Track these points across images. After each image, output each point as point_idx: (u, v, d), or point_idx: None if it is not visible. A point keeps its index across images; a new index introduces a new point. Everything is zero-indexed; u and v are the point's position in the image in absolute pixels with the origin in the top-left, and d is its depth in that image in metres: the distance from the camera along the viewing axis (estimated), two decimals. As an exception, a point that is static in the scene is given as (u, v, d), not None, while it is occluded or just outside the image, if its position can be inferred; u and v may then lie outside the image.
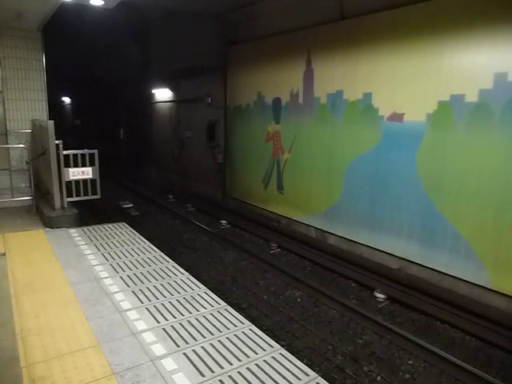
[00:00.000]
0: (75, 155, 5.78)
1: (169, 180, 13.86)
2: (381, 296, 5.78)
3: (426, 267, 6.03)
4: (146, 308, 3.39)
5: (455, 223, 5.64)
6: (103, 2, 5.76)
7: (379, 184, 6.67)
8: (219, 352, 2.80)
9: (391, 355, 4.52)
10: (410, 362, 4.40)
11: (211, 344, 2.89)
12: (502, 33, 4.92)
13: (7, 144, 7.05)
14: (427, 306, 5.39)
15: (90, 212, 9.83)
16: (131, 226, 5.82)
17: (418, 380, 4.14)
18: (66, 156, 5.70)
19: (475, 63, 5.21)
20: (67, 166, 5.72)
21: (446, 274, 5.79)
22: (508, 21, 4.86)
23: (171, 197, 12.07)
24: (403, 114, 6.13)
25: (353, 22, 6.79)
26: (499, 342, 4.66)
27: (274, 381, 2.52)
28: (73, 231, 5.45)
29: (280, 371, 2.62)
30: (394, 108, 6.25)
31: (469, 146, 5.38)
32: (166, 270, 4.21)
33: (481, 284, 5.41)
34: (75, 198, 5.89)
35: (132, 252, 4.73)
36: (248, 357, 2.76)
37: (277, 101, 8.72)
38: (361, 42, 6.64)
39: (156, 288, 3.78)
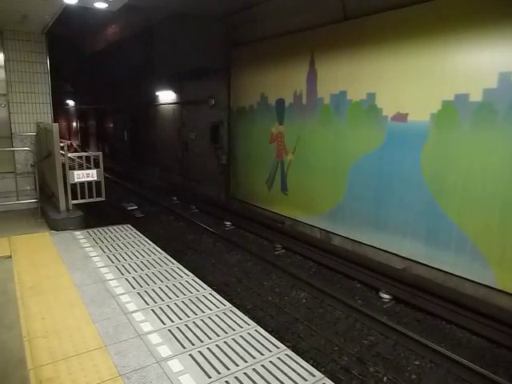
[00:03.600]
0: (80, 158, 5.81)
1: (172, 181, 13.89)
2: (386, 296, 5.76)
3: (432, 267, 6.01)
4: (152, 310, 3.39)
5: (460, 223, 5.61)
6: (107, 5, 5.78)
7: (383, 184, 6.65)
8: (225, 353, 2.81)
9: (397, 356, 4.50)
10: (417, 363, 4.38)
11: (217, 345, 2.90)
12: (507, 32, 4.89)
13: (12, 147, 7.09)
14: (433, 306, 5.36)
15: (95, 214, 9.87)
16: (136, 228, 5.84)
17: (424, 380, 4.12)
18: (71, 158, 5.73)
19: (479, 63, 5.19)
20: (72, 168, 5.75)
21: (452, 274, 5.76)
22: (512, 19, 4.84)
23: (175, 198, 12.08)
24: (407, 114, 6.12)
25: (356, 22, 6.77)
26: (506, 341, 4.63)
27: (280, 382, 2.52)
28: (78, 233, 5.48)
29: (286, 372, 2.62)
30: (397, 108, 6.24)
31: (473, 145, 5.35)
32: (171, 272, 4.22)
33: (487, 284, 5.37)
34: (80, 201, 5.92)
35: (137, 254, 4.74)
36: (254, 358, 2.76)
37: (280, 102, 8.71)
38: (364, 42, 6.63)
39: (161, 289, 3.79)
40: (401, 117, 6.20)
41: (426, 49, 5.76)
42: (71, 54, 18.02)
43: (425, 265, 6.10)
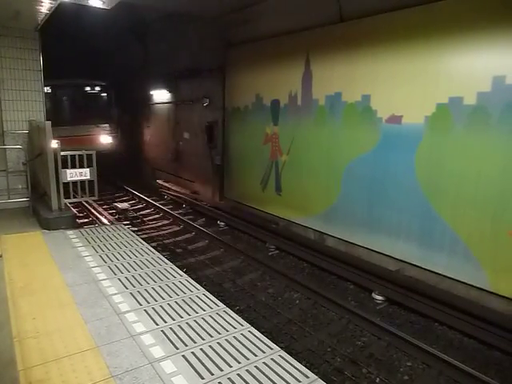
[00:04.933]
0: (73, 156, 5.76)
1: (166, 181, 13.82)
2: (379, 298, 5.78)
3: (425, 269, 6.03)
4: (145, 310, 3.37)
5: (454, 225, 5.64)
6: (102, 3, 5.74)
7: (377, 186, 6.66)
8: (218, 354, 2.79)
9: (390, 357, 4.52)
10: (409, 364, 4.40)
11: (210, 346, 2.88)
12: (501, 36, 4.93)
13: (4, 145, 7.00)
14: (425, 308, 5.38)
15: (88, 213, 9.79)
16: (128, 228, 5.80)
17: (416, 381, 4.14)
18: (64, 157, 5.67)
19: (474, 66, 5.22)
20: (65, 167, 5.70)
21: (445, 276, 5.79)
22: (507, 24, 4.87)
23: (168, 198, 12.03)
24: (401, 116, 6.14)
25: (352, 24, 6.79)
26: (497, 343, 4.66)
27: (274, 383, 2.51)
28: (70, 233, 5.42)
29: (279, 373, 2.61)
30: (392, 110, 6.26)
31: (467, 148, 5.38)
32: (165, 272, 4.19)
33: (479, 286, 5.41)
34: (72, 200, 5.86)
35: (130, 254, 4.70)
36: (247, 359, 2.75)
37: (275, 102, 8.71)
38: (360, 44, 6.65)
39: (154, 290, 3.76)
40: (395, 119, 6.23)
41: (421, 51, 5.78)
42: (66, 51, 17.81)
43: (418, 266, 6.12)
